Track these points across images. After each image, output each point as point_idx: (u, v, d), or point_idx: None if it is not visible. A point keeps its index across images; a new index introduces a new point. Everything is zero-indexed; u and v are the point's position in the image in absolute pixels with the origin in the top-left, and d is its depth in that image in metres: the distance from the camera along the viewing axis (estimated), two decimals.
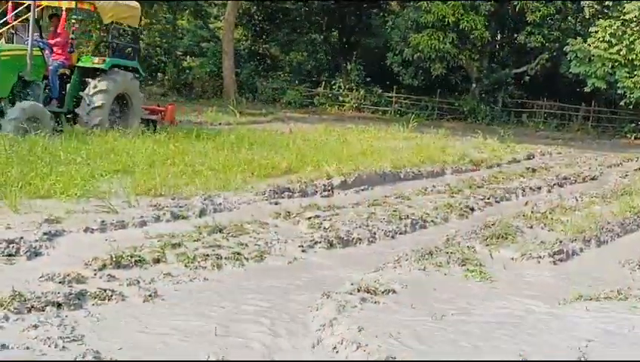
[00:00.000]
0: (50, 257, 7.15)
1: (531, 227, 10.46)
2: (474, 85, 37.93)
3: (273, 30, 42.76)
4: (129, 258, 7.08)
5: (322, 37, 43.96)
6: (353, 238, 8.99)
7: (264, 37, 43.39)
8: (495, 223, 10.28)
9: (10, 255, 6.99)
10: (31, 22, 14.66)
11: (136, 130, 16.02)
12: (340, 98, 39.14)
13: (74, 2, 16.01)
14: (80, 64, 16.26)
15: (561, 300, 6.94)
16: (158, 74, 41.13)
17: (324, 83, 40.30)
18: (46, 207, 8.85)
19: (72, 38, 16.35)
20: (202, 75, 39.08)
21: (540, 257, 8.62)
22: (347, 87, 39.19)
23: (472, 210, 11.86)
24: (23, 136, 12.70)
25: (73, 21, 16.71)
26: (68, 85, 16.15)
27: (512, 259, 8.60)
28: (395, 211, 10.66)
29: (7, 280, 6.16)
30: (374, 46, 41.96)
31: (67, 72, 16.19)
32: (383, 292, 6.74)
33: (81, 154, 12.08)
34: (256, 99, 38.36)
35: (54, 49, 16.01)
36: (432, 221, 10.61)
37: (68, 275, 6.44)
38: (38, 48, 15.26)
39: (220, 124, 22.76)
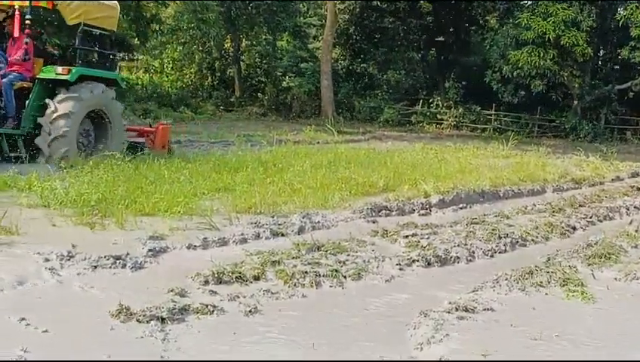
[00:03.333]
0: (154, 272, 7.38)
1: (636, 246, 10.14)
2: (575, 102, 37.09)
3: (371, 49, 42.92)
4: (230, 274, 7.23)
5: (420, 55, 43.89)
6: (451, 257, 8.93)
7: (362, 56, 43.59)
8: (598, 243, 10.03)
9: (116, 269, 7.26)
10: None
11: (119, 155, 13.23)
12: (438, 116, 38.93)
13: (27, 0, 13.46)
14: (41, 75, 13.71)
15: None
16: (258, 94, 41.81)
17: (421, 101, 40.18)
18: (151, 224, 9.13)
19: (25, 43, 13.58)
20: (301, 94, 39.52)
21: None
22: (445, 105, 38.98)
23: (574, 229, 11.61)
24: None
25: (27, 22, 13.59)
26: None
27: (616, 279, 8.37)
28: (494, 230, 10.51)
29: (114, 294, 6.41)
30: (473, 63, 41.64)
31: (28, 85, 13.73)
32: (481, 312, 6.70)
33: (184, 173, 12.41)
34: (353, 117, 38.56)
35: (9, 58, 13.67)
36: (532, 240, 10.44)
37: (171, 290, 6.64)
38: None
39: (318, 142, 22.96)
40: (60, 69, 13.62)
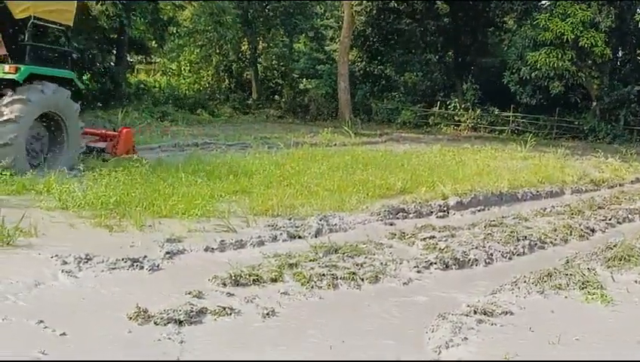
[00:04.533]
0: (171, 275, 7.38)
1: None
2: (594, 103, 36.86)
3: (388, 51, 42.86)
4: (247, 276, 7.23)
5: (437, 57, 43.77)
6: (469, 259, 8.88)
7: (379, 58, 43.54)
8: (617, 245, 9.92)
9: (134, 272, 7.27)
10: None
11: (74, 163, 12.75)
12: (456, 118, 38.81)
13: None
14: None
15: None
16: (275, 96, 41.87)
17: (439, 103, 40.08)
18: (168, 226, 9.16)
19: None
20: (318, 96, 39.53)
21: None
22: (463, 106, 38.86)
23: (593, 231, 11.52)
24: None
25: None
26: None
27: (636, 281, 8.28)
28: (512, 232, 10.46)
29: (131, 296, 6.41)
30: (490, 65, 41.48)
31: None
32: (500, 315, 6.65)
33: (201, 175, 12.43)
34: (371, 119, 38.54)
35: None
36: (551, 242, 10.37)
37: (189, 293, 6.65)
38: None
39: (335, 144, 22.93)
40: (7, 67, 12.35)
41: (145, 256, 7.67)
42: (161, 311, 6.00)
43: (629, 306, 7.33)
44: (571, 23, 32.21)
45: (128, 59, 36.42)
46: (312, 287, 7.24)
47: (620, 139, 35.12)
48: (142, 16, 31.89)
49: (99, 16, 28.77)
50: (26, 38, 12.91)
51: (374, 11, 42.14)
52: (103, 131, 15.48)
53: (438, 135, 33.78)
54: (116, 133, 14.82)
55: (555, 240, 10.54)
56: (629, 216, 13.10)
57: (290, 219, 10.17)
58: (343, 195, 11.97)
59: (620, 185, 17.85)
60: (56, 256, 7.43)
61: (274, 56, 44.27)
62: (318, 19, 45.60)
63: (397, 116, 38.81)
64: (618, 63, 39.62)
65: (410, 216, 11.48)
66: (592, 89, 36.57)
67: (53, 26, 13.88)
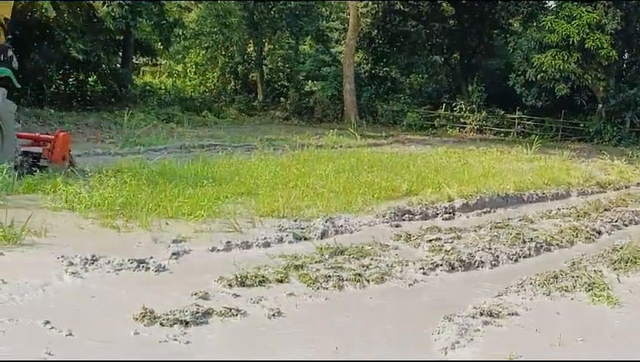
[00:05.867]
0: (177, 276, 7.39)
1: None
2: (600, 105, 36.75)
3: (393, 53, 42.79)
4: (253, 277, 7.24)
5: (443, 59, 43.70)
6: (475, 261, 8.87)
7: (384, 60, 43.46)
8: (623, 247, 9.92)
9: (140, 272, 7.28)
10: None
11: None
12: (461, 120, 38.71)
13: None
14: None
15: None
16: (281, 98, 41.86)
17: (444, 105, 39.99)
18: (174, 227, 9.17)
19: None
20: (323, 98, 39.48)
21: None
22: (468, 108, 38.77)
23: (599, 233, 11.50)
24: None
25: None
26: None
27: None
28: (518, 234, 10.43)
29: (138, 297, 6.42)
30: (496, 67, 41.39)
31: None
32: (506, 316, 6.65)
33: (207, 177, 12.43)
34: (376, 122, 38.46)
35: None
36: (557, 244, 10.35)
37: (195, 294, 6.66)
38: None
39: (340, 146, 22.89)
40: None
41: (151, 257, 7.69)
42: (167, 312, 6.00)
43: (635, 308, 7.33)
44: (577, 25, 32.11)
45: (134, 60, 36.41)
46: (318, 288, 7.25)
47: (626, 142, 34.99)
48: (148, 18, 31.87)
49: (105, 18, 28.70)
50: None
51: (380, 13, 42.07)
52: (37, 135, 13.99)
53: (443, 137, 33.77)
54: (51, 137, 13.34)
55: (561, 242, 10.53)
56: (635, 218, 13.06)
57: (296, 221, 10.18)
58: (348, 197, 11.98)
59: (625, 187, 17.80)
60: (63, 256, 7.45)
61: (279, 58, 44.22)
62: (324, 21, 45.52)
63: (402, 118, 38.74)
64: (624, 65, 39.50)
65: (416, 217, 11.47)
66: (597, 91, 36.47)
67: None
